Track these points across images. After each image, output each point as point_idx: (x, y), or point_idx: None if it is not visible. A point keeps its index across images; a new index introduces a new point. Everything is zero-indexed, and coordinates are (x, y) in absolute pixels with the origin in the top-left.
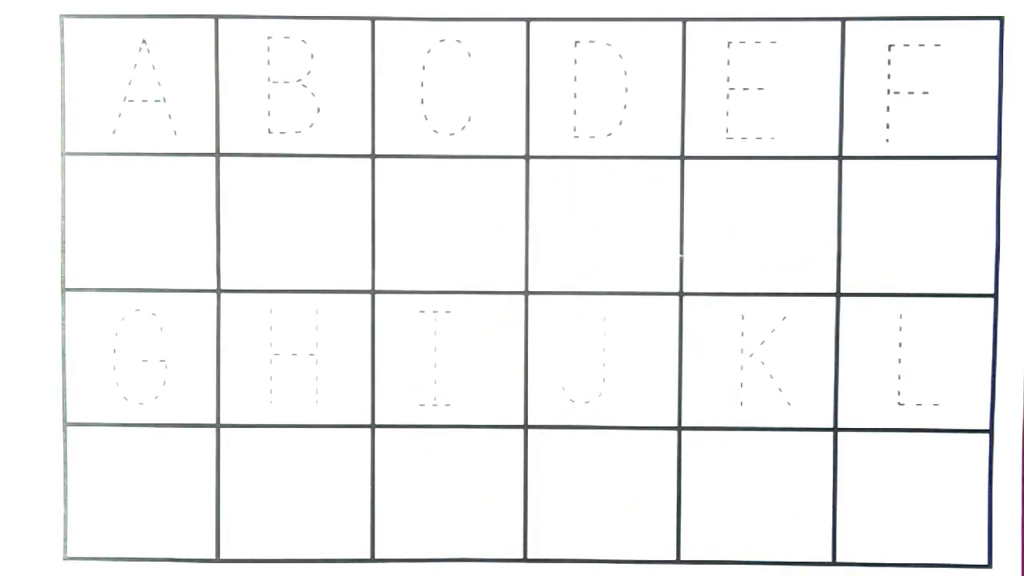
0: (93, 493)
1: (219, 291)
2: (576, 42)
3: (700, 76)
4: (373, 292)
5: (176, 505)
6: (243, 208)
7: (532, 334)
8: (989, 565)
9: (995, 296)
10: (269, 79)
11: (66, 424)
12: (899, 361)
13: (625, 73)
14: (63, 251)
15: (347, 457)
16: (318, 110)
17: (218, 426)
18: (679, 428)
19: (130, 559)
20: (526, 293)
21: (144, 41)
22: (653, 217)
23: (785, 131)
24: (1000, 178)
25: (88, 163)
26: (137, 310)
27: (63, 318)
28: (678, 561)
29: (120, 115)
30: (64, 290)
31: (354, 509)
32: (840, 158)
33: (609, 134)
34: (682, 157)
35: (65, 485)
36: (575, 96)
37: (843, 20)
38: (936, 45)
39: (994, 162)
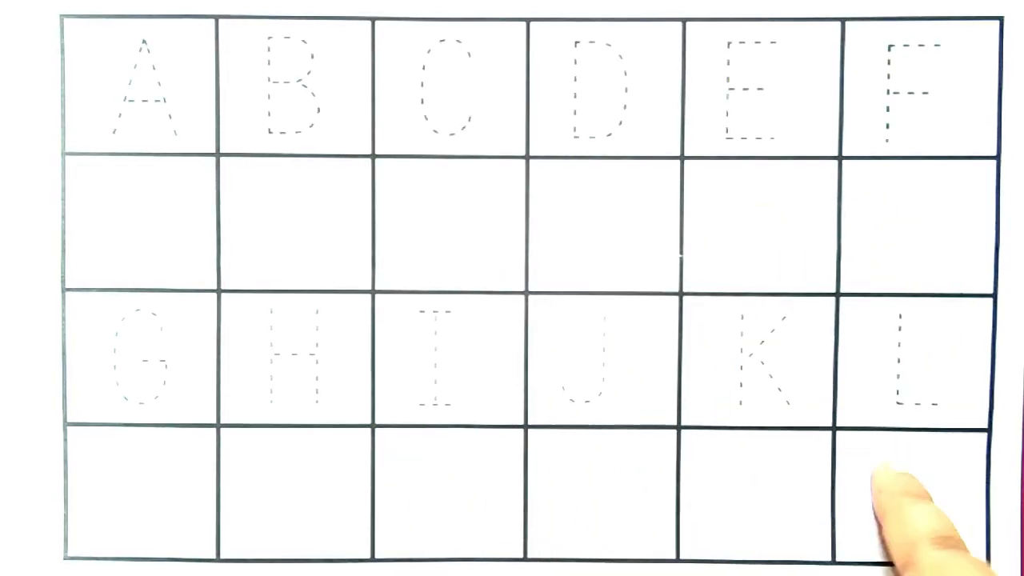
0: (93, 493)
1: (219, 291)
2: (576, 42)
3: (700, 76)
4: (373, 292)
5: (176, 505)
6: (243, 208)
7: (532, 334)
8: (988, 564)
9: (994, 296)
10: (269, 79)
11: (66, 424)
12: (898, 361)
13: (625, 73)
14: (63, 251)
15: (347, 457)
16: (318, 110)
17: (218, 426)
18: (678, 427)
19: (130, 559)
20: (526, 293)
21: (144, 41)
22: (653, 217)
23: (785, 131)
24: (1000, 178)
25: (88, 163)
26: (137, 310)
27: (63, 318)
28: (677, 560)
29: (120, 115)
30: (64, 290)
31: (354, 509)
32: (840, 158)
33: (609, 134)
34: (682, 157)
35: (65, 485)
36: (575, 96)
37: (843, 20)
38: (936, 45)
39: (994, 162)
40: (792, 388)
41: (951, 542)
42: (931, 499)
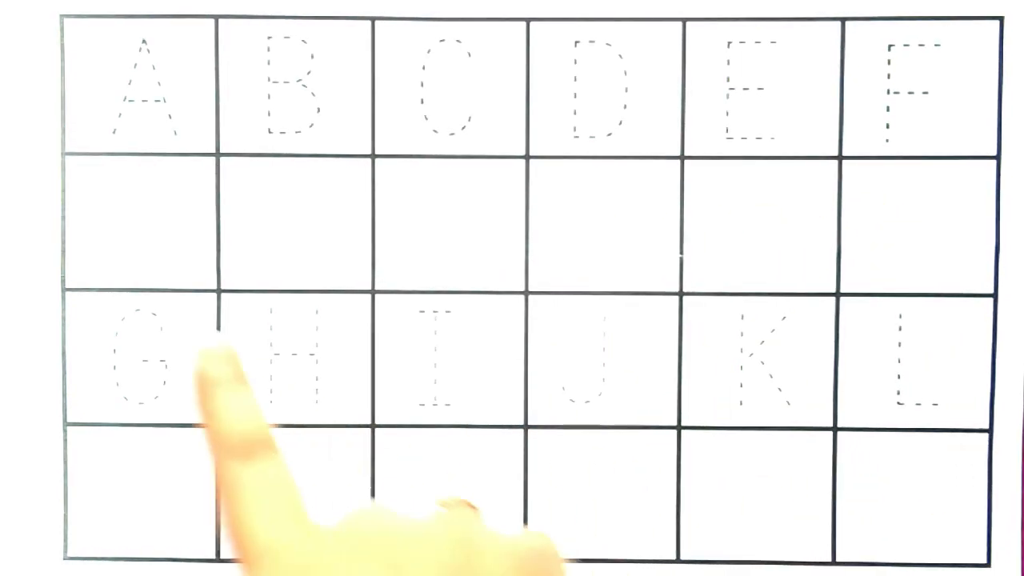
0: (93, 493)
1: (219, 291)
2: (576, 42)
3: (700, 76)
4: (373, 292)
5: (176, 505)
6: (243, 208)
7: (532, 334)
8: (988, 564)
9: (994, 296)
10: (269, 79)
11: (66, 424)
12: (898, 361)
13: (625, 73)
14: (63, 251)
15: (347, 457)
16: (318, 110)
17: None
18: (679, 428)
19: (130, 559)
20: (526, 293)
21: (144, 41)
22: (653, 217)
23: (785, 131)
24: (1000, 178)
25: (88, 163)
26: (137, 310)
27: (63, 318)
28: (678, 561)
29: (120, 115)
30: (64, 290)
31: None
32: (840, 158)
33: (609, 134)
34: (682, 157)
35: (65, 485)
36: (575, 96)
37: (843, 20)
38: (936, 45)
39: (994, 162)
40: (792, 388)
41: (255, 448)
42: (246, 384)
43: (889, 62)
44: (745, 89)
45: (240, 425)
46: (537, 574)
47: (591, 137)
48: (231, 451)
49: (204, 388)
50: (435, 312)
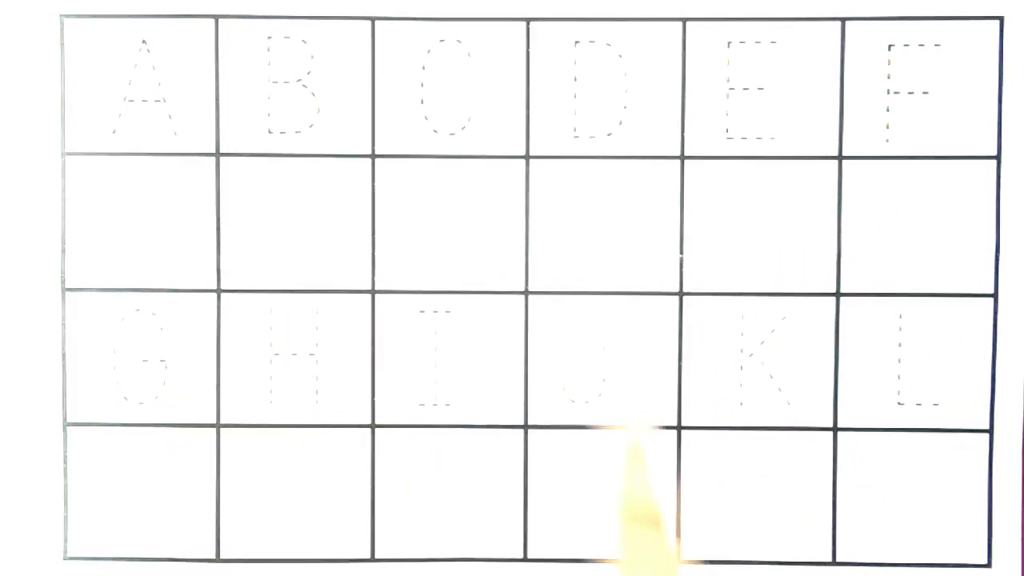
0: (93, 493)
1: (219, 291)
2: (576, 42)
3: (700, 76)
4: (373, 292)
5: (176, 505)
6: (243, 208)
7: (532, 334)
8: (989, 565)
9: (995, 296)
10: (269, 79)
11: (66, 424)
12: (899, 361)
13: (625, 73)
14: (63, 251)
15: (347, 457)
16: (318, 110)
17: (218, 426)
18: (679, 428)
19: (130, 559)
20: (526, 293)
21: (144, 41)
22: (653, 217)
23: (785, 131)
24: (1000, 178)
25: (88, 163)
26: (137, 310)
27: (63, 318)
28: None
29: (120, 115)
30: (64, 290)
31: (354, 509)
32: (840, 158)
33: (609, 134)
34: (682, 157)
35: (65, 485)
36: (575, 96)
37: (843, 20)
38: (936, 45)
39: (994, 162)
40: (792, 388)
41: (645, 517)
42: (645, 463)
43: (889, 62)
44: (745, 89)
45: (648, 497)
46: None
47: (591, 137)
48: (637, 517)
49: (632, 460)
50: (435, 312)
